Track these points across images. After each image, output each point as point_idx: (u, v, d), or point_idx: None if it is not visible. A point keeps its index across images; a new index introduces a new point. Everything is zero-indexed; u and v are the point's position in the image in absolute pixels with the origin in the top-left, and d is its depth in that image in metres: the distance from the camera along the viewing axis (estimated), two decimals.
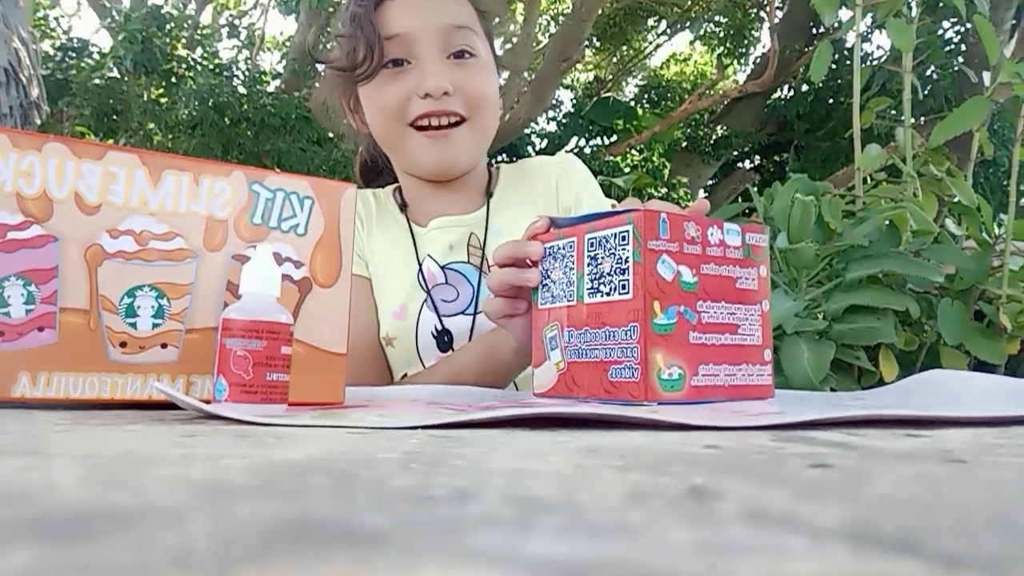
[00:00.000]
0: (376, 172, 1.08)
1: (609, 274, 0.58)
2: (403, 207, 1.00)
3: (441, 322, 0.91)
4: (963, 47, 5.09)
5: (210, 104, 5.67)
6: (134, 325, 0.53)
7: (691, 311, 0.56)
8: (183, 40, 6.99)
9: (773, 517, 0.18)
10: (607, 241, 0.58)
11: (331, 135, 6.07)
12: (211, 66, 6.75)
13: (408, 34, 0.89)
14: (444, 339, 0.91)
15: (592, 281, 0.59)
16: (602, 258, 0.59)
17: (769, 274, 0.61)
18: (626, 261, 0.56)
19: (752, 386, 0.59)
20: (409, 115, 0.90)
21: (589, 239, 0.60)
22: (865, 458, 0.29)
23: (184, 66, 6.59)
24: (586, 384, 0.59)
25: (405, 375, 0.93)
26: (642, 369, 0.54)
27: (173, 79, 6.45)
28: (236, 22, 8.70)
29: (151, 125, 6.45)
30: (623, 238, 0.57)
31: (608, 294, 0.57)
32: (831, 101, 6.62)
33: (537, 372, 0.64)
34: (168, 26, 6.52)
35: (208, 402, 0.47)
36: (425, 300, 0.93)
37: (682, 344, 0.55)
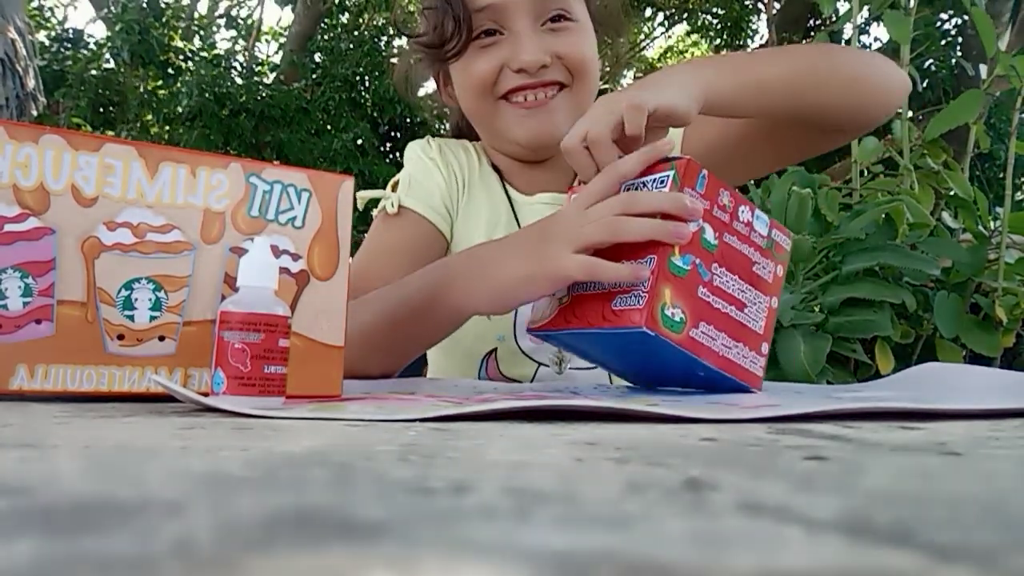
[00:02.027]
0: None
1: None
2: (495, 168, 0.93)
3: None
4: (960, 39, 5.08)
5: (208, 96, 5.65)
6: (131, 318, 0.53)
7: (705, 268, 0.57)
8: (179, 31, 6.95)
9: (768, 508, 0.19)
10: (644, 187, 0.59)
11: (329, 127, 6.05)
12: (208, 56, 6.72)
13: (498, 4, 0.81)
14: None
15: None
16: None
17: (785, 275, 0.62)
18: None
19: (744, 369, 0.59)
20: (500, 89, 0.83)
21: (625, 185, 0.60)
22: (860, 450, 0.29)
23: (181, 57, 6.57)
24: (586, 315, 0.59)
25: (495, 350, 0.88)
26: (649, 297, 0.54)
27: (170, 70, 6.42)
28: (233, 12, 8.65)
29: (149, 116, 6.42)
30: (662, 182, 0.58)
31: None
32: None
33: (535, 307, 0.64)
34: (164, 17, 6.49)
35: (206, 395, 0.47)
36: None
37: (690, 293, 0.56)
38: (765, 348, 0.60)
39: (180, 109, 5.79)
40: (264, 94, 5.92)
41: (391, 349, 0.72)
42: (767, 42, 6.38)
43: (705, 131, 0.86)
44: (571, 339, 0.63)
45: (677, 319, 0.55)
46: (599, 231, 0.58)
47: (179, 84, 6.16)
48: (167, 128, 6.21)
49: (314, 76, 6.33)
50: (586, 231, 0.58)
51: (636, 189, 0.60)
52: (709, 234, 0.57)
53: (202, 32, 7.59)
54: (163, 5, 6.65)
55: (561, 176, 0.90)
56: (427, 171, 0.92)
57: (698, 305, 0.56)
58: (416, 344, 0.75)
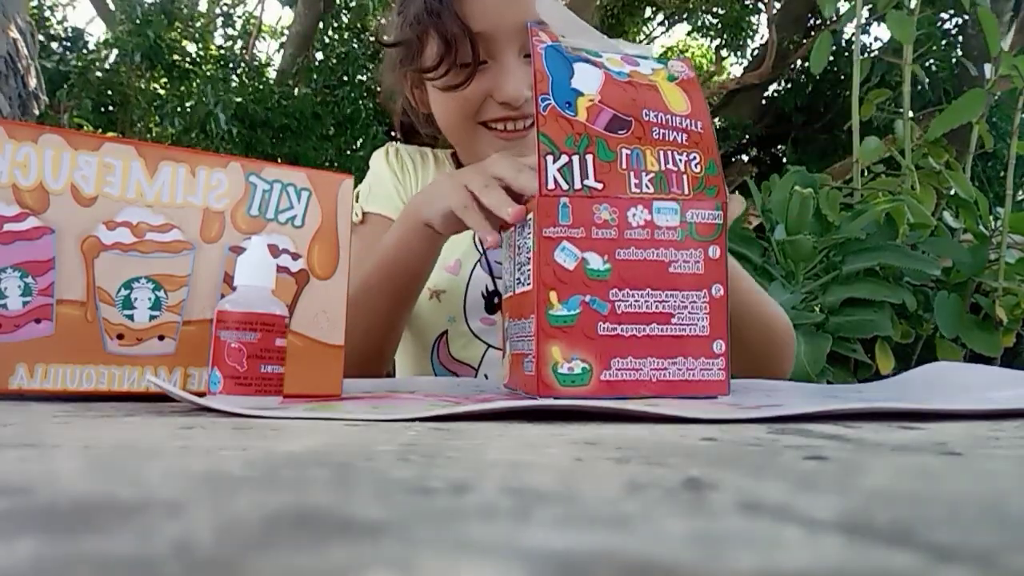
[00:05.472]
0: (415, 132, 1.04)
1: (525, 264, 0.54)
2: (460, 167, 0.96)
3: (494, 283, 0.90)
4: (960, 39, 5.08)
5: (219, 108, 5.60)
6: (131, 317, 0.53)
7: (601, 301, 0.51)
8: (181, 30, 6.95)
9: (768, 508, 0.19)
10: (523, 229, 0.55)
11: (344, 128, 6.01)
12: (215, 56, 6.70)
13: (487, 33, 0.84)
14: (494, 301, 0.91)
15: (517, 271, 0.57)
16: (520, 247, 0.56)
17: (726, 254, 0.54)
18: (529, 250, 0.53)
19: (695, 381, 0.52)
20: (482, 116, 0.87)
21: (517, 227, 0.57)
22: (860, 450, 0.29)
23: (188, 60, 6.55)
24: (516, 378, 0.56)
25: (445, 333, 0.92)
26: (536, 363, 0.50)
27: (175, 72, 6.41)
28: (231, 11, 8.63)
29: (156, 118, 6.40)
30: (527, 226, 0.54)
31: (524, 284, 0.54)
32: (829, 93, 6.60)
33: (502, 363, 0.64)
34: (175, 20, 6.49)
35: (203, 394, 0.47)
36: (479, 260, 0.92)
37: (589, 337, 0.51)
38: (719, 346, 0.53)
39: (195, 118, 5.72)
40: (276, 101, 5.82)
41: (368, 322, 0.76)
42: (767, 42, 6.37)
43: None
44: None
45: (578, 371, 0.50)
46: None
47: (184, 88, 6.13)
48: (171, 133, 6.19)
49: (314, 77, 6.29)
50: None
51: (518, 230, 0.57)
52: (595, 262, 0.51)
53: (205, 33, 7.56)
54: (175, 9, 6.62)
55: None
56: (383, 179, 0.99)
57: (603, 344, 0.51)
58: (392, 303, 0.79)
